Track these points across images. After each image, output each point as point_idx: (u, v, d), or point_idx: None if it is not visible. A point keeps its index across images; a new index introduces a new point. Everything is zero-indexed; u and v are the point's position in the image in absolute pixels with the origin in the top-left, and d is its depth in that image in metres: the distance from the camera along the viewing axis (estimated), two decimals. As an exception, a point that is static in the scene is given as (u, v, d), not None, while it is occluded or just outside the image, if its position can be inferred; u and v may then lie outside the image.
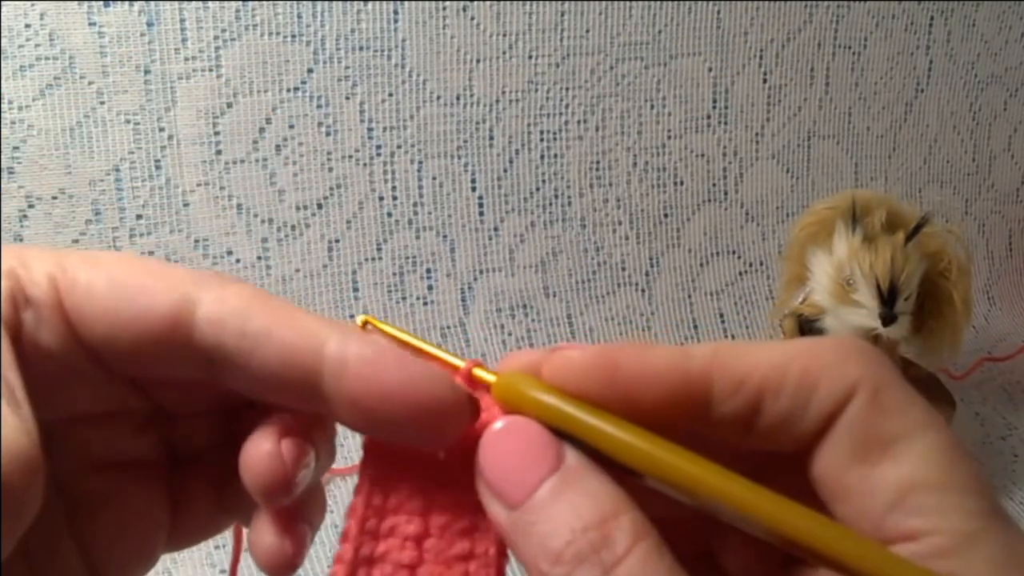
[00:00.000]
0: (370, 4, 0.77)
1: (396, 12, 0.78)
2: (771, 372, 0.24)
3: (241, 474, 0.24)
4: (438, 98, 0.80)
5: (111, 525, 0.26)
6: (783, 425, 0.24)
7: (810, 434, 0.24)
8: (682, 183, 0.90)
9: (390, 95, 0.79)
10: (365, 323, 0.26)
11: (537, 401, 0.24)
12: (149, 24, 0.72)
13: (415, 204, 0.82)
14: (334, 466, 0.71)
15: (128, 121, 0.73)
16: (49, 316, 0.23)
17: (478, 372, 0.25)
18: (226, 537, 0.69)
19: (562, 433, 0.24)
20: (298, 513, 0.26)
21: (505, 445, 0.24)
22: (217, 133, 0.75)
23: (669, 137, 0.89)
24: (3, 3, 0.68)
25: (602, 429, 0.23)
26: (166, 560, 0.62)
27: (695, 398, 0.24)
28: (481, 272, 0.84)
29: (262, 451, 0.24)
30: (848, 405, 0.23)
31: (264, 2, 0.74)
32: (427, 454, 0.25)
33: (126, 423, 0.26)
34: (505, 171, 0.84)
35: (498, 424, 0.24)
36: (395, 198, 0.81)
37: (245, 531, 0.27)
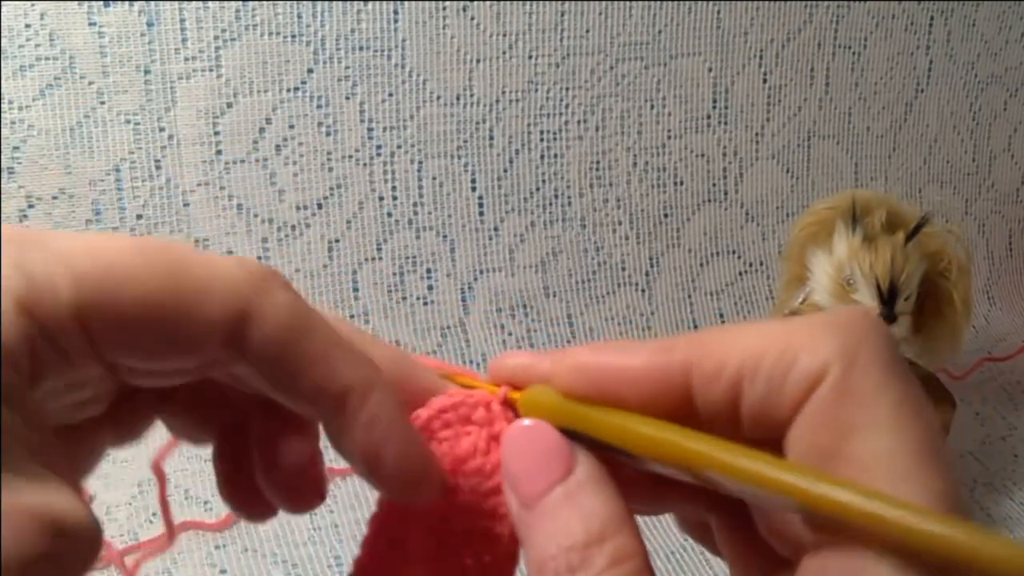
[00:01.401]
0: (370, 4, 0.77)
1: (396, 12, 0.78)
2: (748, 357, 0.23)
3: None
4: (438, 98, 0.80)
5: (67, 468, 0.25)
6: (762, 413, 0.23)
7: (784, 422, 0.22)
8: (682, 183, 0.90)
9: (390, 95, 0.79)
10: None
11: (547, 405, 0.25)
12: (149, 24, 0.72)
13: (415, 204, 0.82)
14: (334, 466, 0.71)
15: (128, 121, 0.73)
16: (67, 342, 0.21)
17: (512, 395, 0.27)
18: (226, 537, 0.69)
19: (581, 437, 0.25)
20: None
21: (525, 444, 0.25)
22: (217, 133, 0.75)
23: (669, 137, 0.89)
24: (3, 3, 0.68)
25: (599, 419, 0.24)
26: (166, 560, 0.62)
27: (676, 393, 0.23)
28: (481, 272, 0.84)
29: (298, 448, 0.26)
30: (817, 389, 0.22)
31: (264, 2, 0.74)
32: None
33: (95, 401, 0.25)
34: (505, 171, 0.84)
35: (525, 422, 0.25)
36: (395, 198, 0.81)
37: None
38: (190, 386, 0.26)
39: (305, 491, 0.26)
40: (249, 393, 0.26)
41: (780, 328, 0.23)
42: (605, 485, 0.24)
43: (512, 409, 0.26)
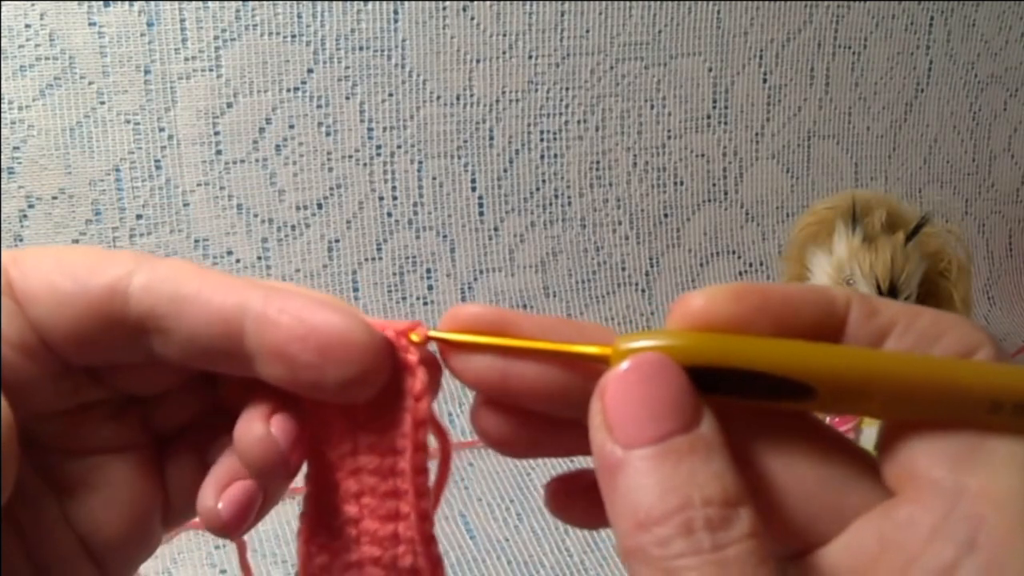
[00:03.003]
0: (370, 4, 0.77)
1: (396, 12, 0.78)
2: (904, 312, 0.24)
3: (238, 458, 0.25)
4: (438, 98, 0.80)
5: (103, 509, 0.26)
6: None
7: None
8: (682, 183, 0.90)
9: (390, 95, 0.79)
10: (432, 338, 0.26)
11: (682, 346, 0.23)
12: (149, 24, 0.72)
13: (415, 204, 0.82)
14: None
15: (128, 121, 0.73)
16: (3, 303, 0.24)
17: (599, 351, 0.24)
18: (226, 537, 0.69)
19: (710, 375, 0.23)
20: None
21: (643, 385, 0.22)
22: (217, 133, 0.75)
23: (669, 137, 0.89)
24: (3, 3, 0.68)
25: (773, 346, 0.23)
26: (166, 560, 0.62)
27: (835, 322, 0.24)
28: (481, 272, 0.84)
29: (254, 436, 0.24)
30: (970, 358, 0.24)
31: (264, 2, 0.74)
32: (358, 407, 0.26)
33: (98, 414, 0.26)
34: (505, 171, 0.84)
35: (633, 360, 0.22)
36: (395, 198, 0.81)
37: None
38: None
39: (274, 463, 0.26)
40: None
41: (928, 309, 0.25)
42: (727, 451, 0.22)
43: (413, 344, 0.26)
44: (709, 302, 0.23)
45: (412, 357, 0.26)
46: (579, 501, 0.27)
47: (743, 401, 0.23)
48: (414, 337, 0.26)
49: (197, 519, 0.26)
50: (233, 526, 0.25)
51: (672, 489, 0.21)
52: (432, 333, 0.25)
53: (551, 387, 0.24)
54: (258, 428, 0.24)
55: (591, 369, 0.24)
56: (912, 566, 0.22)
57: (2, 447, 0.22)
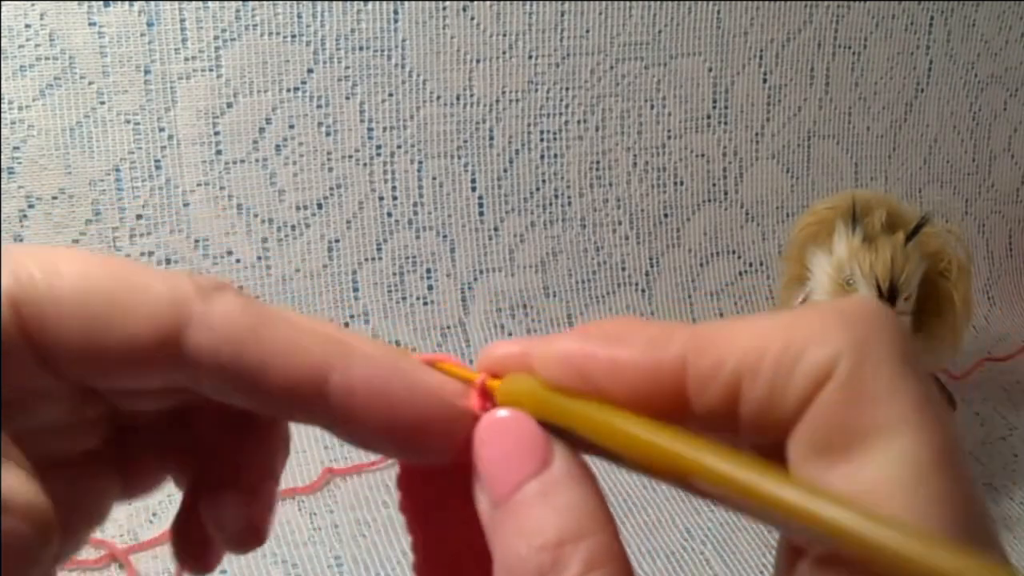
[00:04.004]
0: (370, 4, 0.77)
1: (396, 12, 0.78)
2: (749, 352, 0.20)
3: (215, 530, 0.24)
4: (438, 98, 0.80)
5: (65, 510, 0.24)
6: (763, 414, 0.20)
7: (788, 424, 0.20)
8: (682, 183, 0.90)
9: (390, 95, 0.79)
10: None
11: (527, 395, 0.23)
12: (149, 24, 0.72)
13: (415, 204, 0.82)
14: (334, 466, 0.71)
15: (128, 121, 0.73)
16: (10, 342, 0.21)
17: (491, 383, 0.24)
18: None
19: (563, 431, 0.23)
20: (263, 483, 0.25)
21: (497, 435, 0.23)
22: (217, 133, 0.75)
23: (669, 137, 0.89)
24: (3, 3, 0.68)
25: (582, 414, 0.22)
26: (166, 559, 0.62)
27: (670, 390, 0.21)
28: (481, 272, 0.84)
29: (234, 519, 0.24)
30: (824, 387, 0.20)
31: (264, 2, 0.74)
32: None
33: (80, 428, 0.24)
34: (505, 171, 0.84)
35: (499, 412, 0.23)
36: (395, 198, 0.81)
37: None
38: (188, 431, 0.25)
39: (246, 541, 0.25)
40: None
41: (783, 321, 0.21)
42: (584, 481, 0.22)
43: (491, 400, 0.24)
44: (541, 367, 0.23)
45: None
46: None
47: (581, 448, 0.23)
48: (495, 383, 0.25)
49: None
50: (263, 535, 0.25)
51: (519, 538, 0.21)
52: (452, 369, 0.25)
53: None
54: (240, 520, 0.25)
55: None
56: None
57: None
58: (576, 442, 0.23)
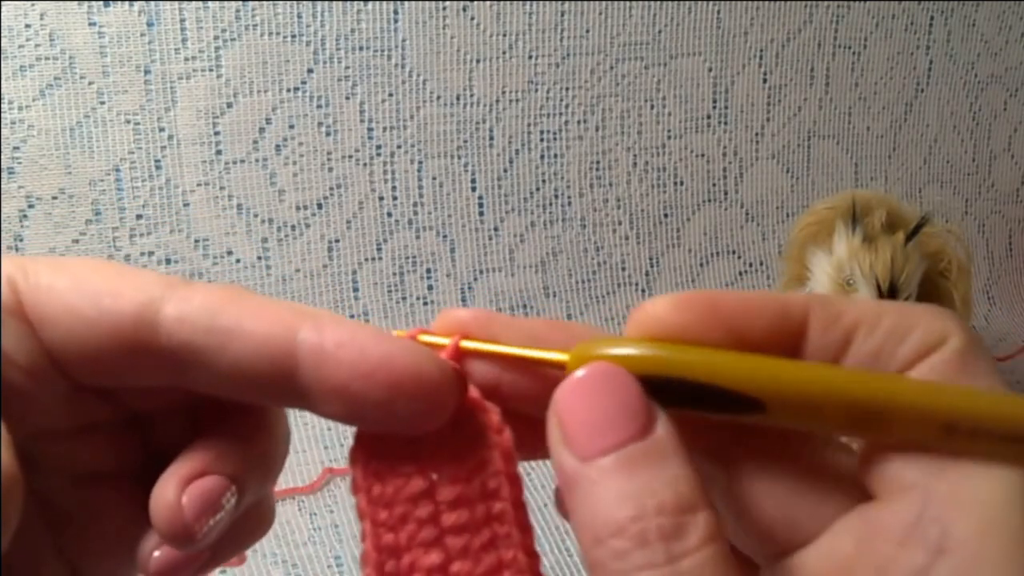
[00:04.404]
0: (370, 4, 0.77)
1: (396, 12, 0.78)
2: (867, 312, 0.23)
3: (151, 517, 0.23)
4: (438, 98, 0.80)
5: (97, 537, 0.25)
6: (869, 363, 0.23)
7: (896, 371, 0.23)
8: (682, 183, 0.90)
9: (390, 95, 0.79)
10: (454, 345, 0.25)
11: (632, 352, 0.23)
12: (149, 24, 0.72)
13: (415, 204, 0.82)
14: (333, 466, 0.71)
15: (128, 121, 0.73)
16: (9, 321, 0.22)
17: (556, 357, 0.24)
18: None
19: (661, 385, 0.22)
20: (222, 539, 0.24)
21: (595, 394, 0.22)
22: (217, 133, 0.75)
23: (669, 137, 0.89)
24: (3, 3, 0.68)
25: (722, 358, 0.22)
26: (166, 560, 0.62)
27: (793, 329, 0.23)
28: (481, 272, 0.84)
29: (162, 501, 0.23)
30: (937, 350, 0.23)
31: (264, 2, 0.74)
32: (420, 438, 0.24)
33: (101, 435, 0.25)
34: (505, 171, 0.84)
35: (585, 370, 0.22)
36: (395, 198, 0.81)
37: None
38: None
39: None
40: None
41: (896, 304, 0.24)
42: (686, 453, 0.22)
43: (461, 360, 0.24)
44: (659, 310, 0.23)
45: (476, 392, 0.24)
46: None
47: (697, 414, 0.23)
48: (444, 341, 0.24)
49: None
50: (194, 526, 0.23)
51: (626, 499, 0.21)
52: (424, 339, 0.24)
53: (533, 391, 0.24)
54: (169, 494, 0.23)
55: (553, 375, 0.24)
56: (885, 571, 0.22)
57: (2, 497, 0.21)
58: (682, 401, 0.23)
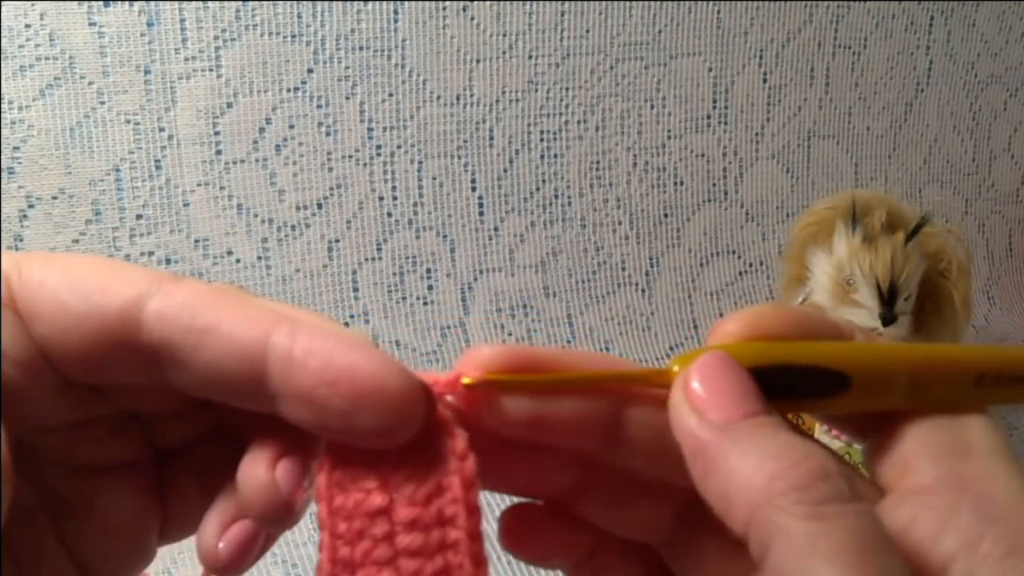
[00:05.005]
0: (370, 4, 0.77)
1: (396, 12, 0.78)
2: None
3: (240, 498, 0.24)
4: (438, 98, 0.80)
5: (100, 527, 0.25)
6: None
7: None
8: (682, 183, 0.90)
9: (390, 95, 0.79)
10: (471, 384, 0.24)
11: (734, 346, 0.25)
12: (149, 24, 0.72)
13: (415, 204, 0.82)
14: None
15: (128, 121, 0.73)
16: (4, 316, 0.22)
17: (660, 371, 0.25)
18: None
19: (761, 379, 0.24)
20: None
21: (723, 374, 0.23)
22: (217, 133, 0.75)
23: (669, 137, 0.89)
24: (3, 3, 0.68)
25: (810, 344, 0.25)
26: (166, 560, 0.62)
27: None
28: (481, 272, 0.84)
29: (257, 481, 0.23)
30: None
31: (264, 2, 0.74)
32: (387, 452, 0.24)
33: (100, 429, 0.25)
34: (505, 171, 0.84)
35: (706, 356, 0.24)
36: (395, 198, 0.81)
37: None
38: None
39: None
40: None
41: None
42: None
43: (460, 399, 0.24)
44: (747, 320, 0.25)
45: (447, 412, 0.24)
46: (535, 534, 0.27)
47: (788, 404, 0.25)
48: (466, 380, 0.24)
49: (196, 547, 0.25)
50: (232, 567, 0.24)
51: (788, 447, 0.22)
52: (488, 377, 0.24)
53: (586, 419, 0.25)
54: (261, 474, 0.23)
55: (641, 394, 0.25)
56: (933, 551, 0.22)
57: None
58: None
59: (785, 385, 0.24)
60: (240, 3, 0.73)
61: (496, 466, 0.25)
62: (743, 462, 0.22)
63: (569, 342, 0.85)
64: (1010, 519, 0.22)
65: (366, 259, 0.81)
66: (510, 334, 0.84)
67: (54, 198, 0.72)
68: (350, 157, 0.79)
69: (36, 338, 0.22)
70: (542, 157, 0.85)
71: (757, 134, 0.92)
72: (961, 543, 0.22)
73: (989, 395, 0.26)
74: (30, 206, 0.72)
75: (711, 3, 0.87)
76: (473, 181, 0.83)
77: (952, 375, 0.26)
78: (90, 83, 0.71)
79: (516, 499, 0.28)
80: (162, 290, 0.22)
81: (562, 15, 0.82)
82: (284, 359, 0.22)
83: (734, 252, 0.93)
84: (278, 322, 0.22)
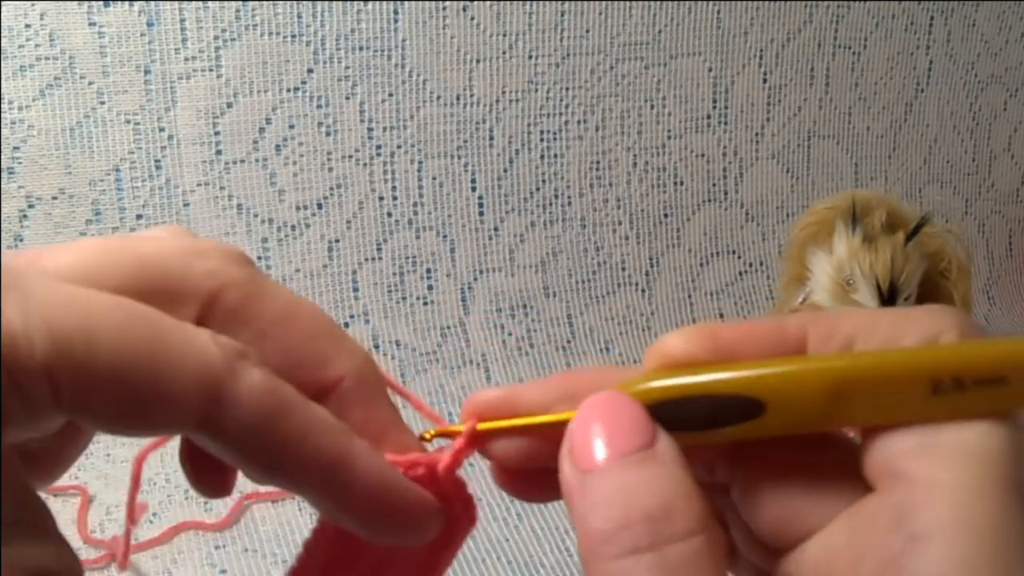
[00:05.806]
0: (370, 4, 0.77)
1: (396, 12, 0.78)
2: (863, 320, 0.24)
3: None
4: (438, 98, 0.80)
5: (54, 461, 0.25)
6: None
7: None
8: (682, 183, 0.90)
9: (390, 95, 0.79)
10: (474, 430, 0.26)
11: (643, 388, 0.24)
12: (149, 24, 0.72)
13: (415, 204, 0.82)
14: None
15: (128, 121, 0.73)
16: (37, 395, 0.20)
17: (565, 417, 0.25)
18: (226, 537, 0.69)
19: (665, 409, 0.24)
20: None
21: (598, 416, 0.24)
22: (217, 133, 0.75)
23: (669, 137, 0.89)
24: (3, 3, 0.68)
25: (710, 370, 0.24)
26: (166, 559, 0.62)
27: (792, 349, 0.24)
28: (481, 272, 0.84)
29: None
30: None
31: (264, 2, 0.74)
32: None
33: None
34: (505, 171, 0.84)
35: (590, 399, 0.24)
36: (395, 198, 0.81)
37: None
38: None
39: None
40: None
41: (889, 310, 0.25)
42: (687, 466, 0.23)
43: (474, 446, 0.26)
44: (667, 346, 0.25)
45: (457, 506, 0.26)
46: (530, 472, 0.27)
47: (705, 436, 0.24)
48: (461, 427, 0.26)
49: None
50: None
51: (616, 506, 0.22)
52: (481, 426, 0.26)
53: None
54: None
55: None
56: (864, 560, 0.22)
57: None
58: (685, 421, 0.24)
59: (700, 415, 0.24)
60: (240, 3, 0.74)
61: (530, 484, 0.27)
62: (582, 518, 0.23)
63: (569, 342, 0.85)
64: (932, 539, 0.21)
65: (366, 259, 0.81)
66: (510, 334, 0.84)
67: (54, 198, 0.72)
68: (350, 157, 0.79)
69: (82, 412, 0.21)
70: (542, 157, 0.85)
71: (757, 134, 0.92)
72: (885, 561, 0.22)
73: (950, 405, 0.23)
74: (30, 206, 0.72)
75: (711, 3, 0.87)
76: (473, 181, 0.83)
77: (897, 385, 0.23)
78: (90, 83, 0.71)
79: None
80: (228, 401, 0.22)
81: (562, 15, 0.82)
82: (341, 494, 0.24)
83: (734, 252, 0.93)
84: (339, 454, 0.24)
